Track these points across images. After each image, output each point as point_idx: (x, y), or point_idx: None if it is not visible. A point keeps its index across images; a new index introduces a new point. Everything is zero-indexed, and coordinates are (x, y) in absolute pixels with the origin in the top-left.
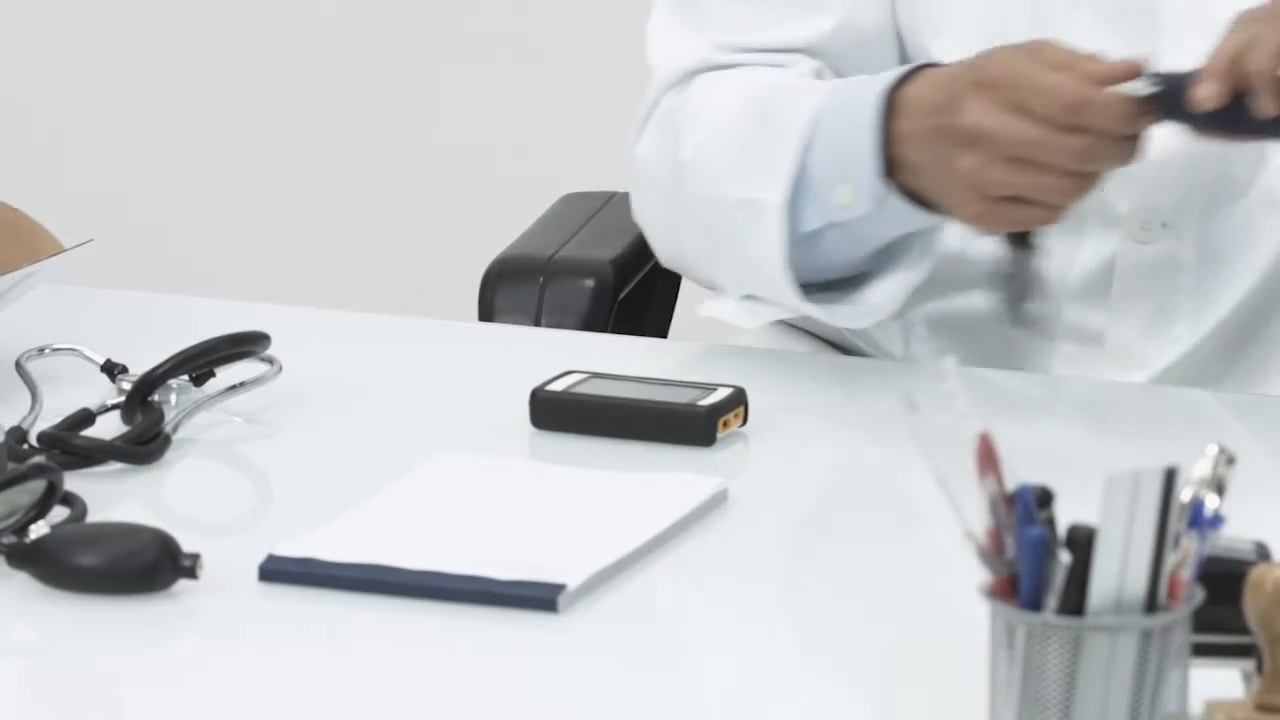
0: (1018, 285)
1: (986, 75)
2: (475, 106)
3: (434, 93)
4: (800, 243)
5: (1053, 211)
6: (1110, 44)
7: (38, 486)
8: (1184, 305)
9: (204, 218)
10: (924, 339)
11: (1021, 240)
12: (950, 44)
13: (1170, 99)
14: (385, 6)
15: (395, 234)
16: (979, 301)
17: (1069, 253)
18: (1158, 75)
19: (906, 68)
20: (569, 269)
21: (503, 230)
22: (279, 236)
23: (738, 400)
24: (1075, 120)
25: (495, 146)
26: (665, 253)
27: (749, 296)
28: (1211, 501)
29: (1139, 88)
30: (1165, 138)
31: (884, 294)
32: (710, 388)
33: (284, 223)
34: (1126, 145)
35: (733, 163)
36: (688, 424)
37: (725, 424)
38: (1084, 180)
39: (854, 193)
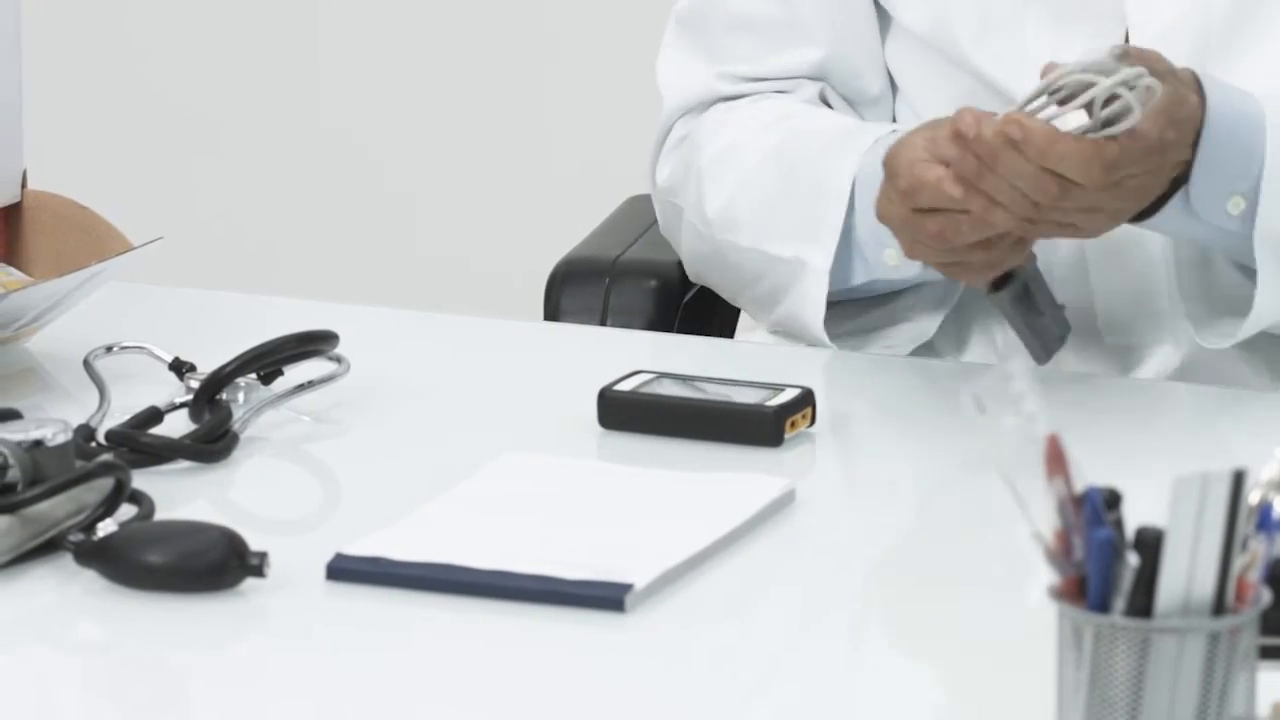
0: (1030, 331)
1: (888, 168)
2: (542, 108)
3: (502, 94)
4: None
5: (992, 270)
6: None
7: (105, 484)
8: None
9: (273, 217)
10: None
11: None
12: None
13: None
14: (458, 11)
15: (462, 235)
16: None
17: (1045, 249)
18: None
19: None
20: (634, 270)
21: (569, 232)
22: (348, 236)
23: (806, 401)
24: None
25: (562, 149)
26: (692, 274)
27: (776, 331)
28: None
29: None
30: None
31: (917, 330)
32: (778, 388)
33: (353, 223)
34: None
35: (770, 219)
36: (756, 424)
37: (793, 424)
38: (997, 248)
39: (899, 255)
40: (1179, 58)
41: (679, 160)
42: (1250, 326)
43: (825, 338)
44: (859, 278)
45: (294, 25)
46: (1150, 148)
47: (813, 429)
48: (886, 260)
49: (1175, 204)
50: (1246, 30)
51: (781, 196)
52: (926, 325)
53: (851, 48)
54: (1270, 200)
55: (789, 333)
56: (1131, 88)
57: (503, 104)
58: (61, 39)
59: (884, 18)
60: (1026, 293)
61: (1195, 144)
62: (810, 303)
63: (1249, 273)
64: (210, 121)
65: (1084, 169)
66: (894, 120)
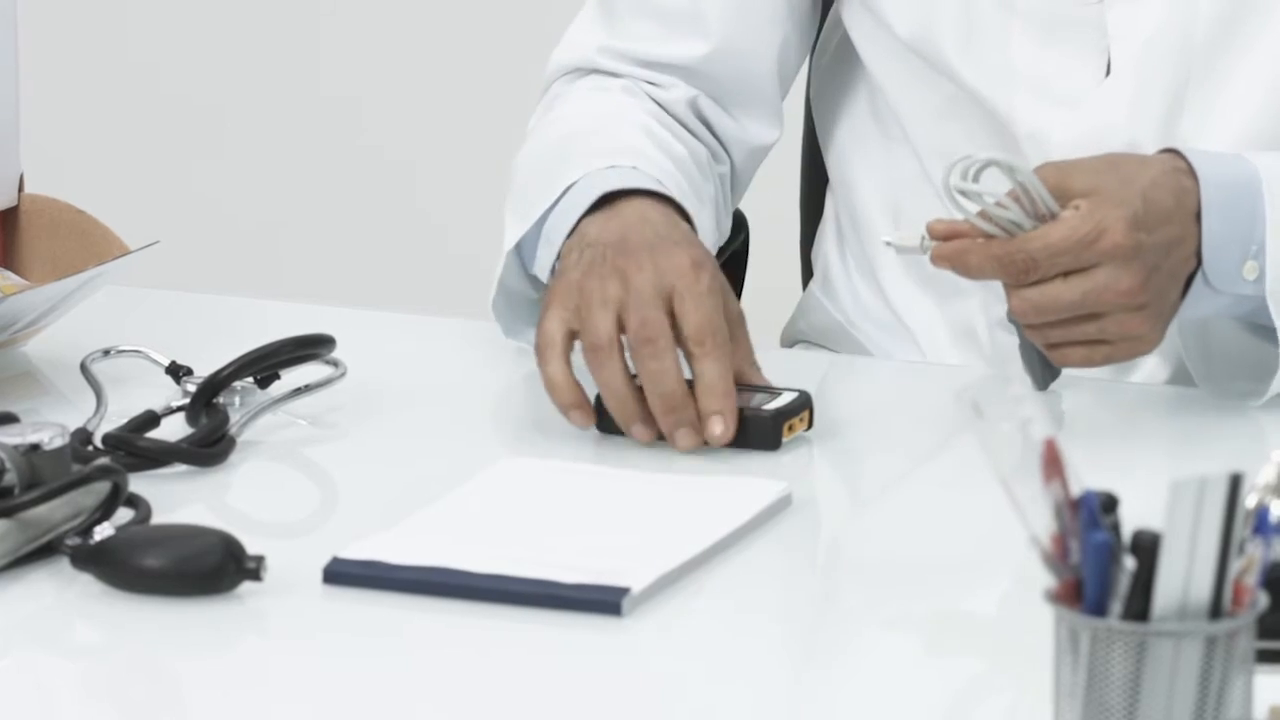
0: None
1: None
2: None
3: (499, 96)
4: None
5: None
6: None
7: (102, 488)
8: None
9: (270, 220)
10: (944, 347)
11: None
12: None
13: None
14: (456, 13)
15: (460, 238)
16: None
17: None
18: None
19: (603, 193)
20: None
21: None
22: (344, 240)
23: (803, 404)
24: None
25: None
26: None
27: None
28: (1277, 508)
29: None
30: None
31: None
32: (776, 392)
33: (349, 226)
34: None
35: (519, 190)
36: (754, 428)
37: (790, 428)
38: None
39: (546, 258)
40: (1162, 72)
41: (539, 114)
42: (1277, 387)
43: (492, 304)
44: (533, 267)
45: (289, 29)
46: (1083, 235)
47: (810, 433)
48: (541, 255)
49: (1196, 285)
50: (1229, 42)
51: (532, 176)
52: None
53: (742, 41)
54: (1277, 259)
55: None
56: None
57: (499, 107)
58: (58, 42)
59: (869, 18)
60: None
61: (1199, 221)
62: (497, 271)
63: (1260, 331)
64: (206, 125)
65: (999, 270)
66: (782, 128)
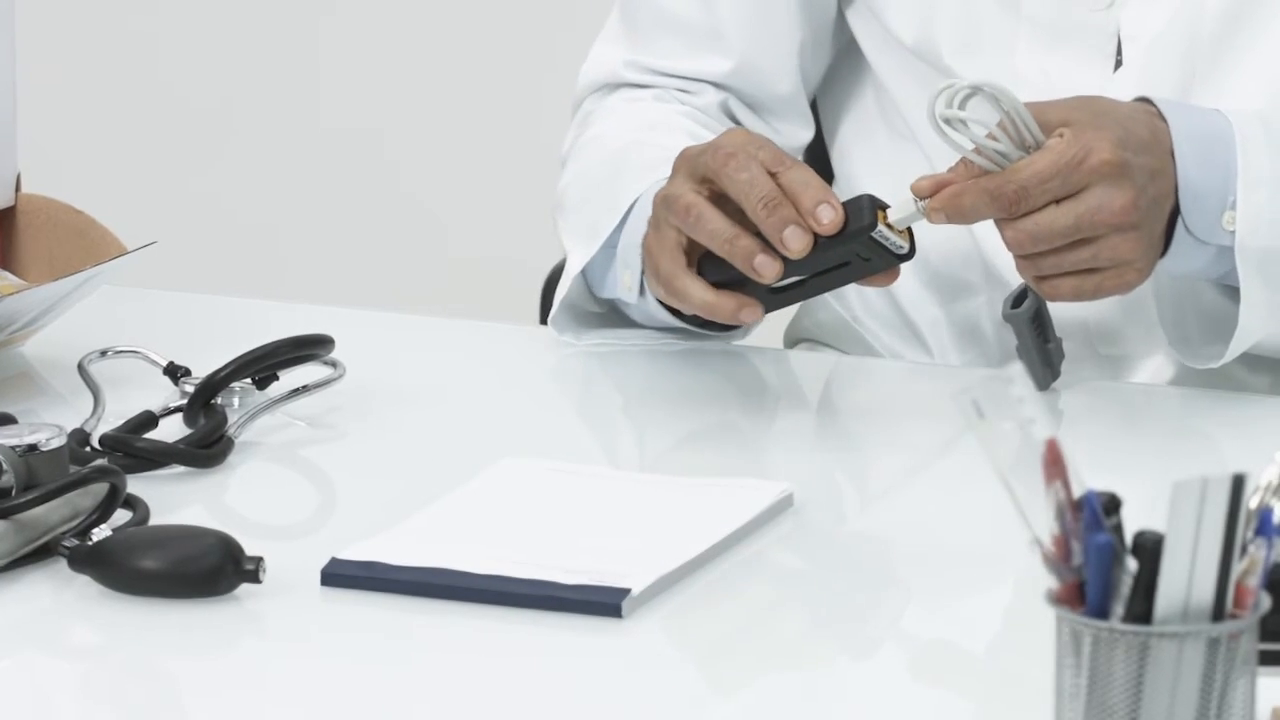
0: (1035, 354)
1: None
2: (538, 112)
3: (498, 98)
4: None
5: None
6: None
7: (100, 489)
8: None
9: (268, 220)
10: (948, 346)
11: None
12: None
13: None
14: (456, 14)
15: (458, 238)
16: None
17: None
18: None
19: None
20: None
21: None
22: (343, 240)
23: (876, 204)
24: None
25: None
26: None
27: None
28: (1279, 509)
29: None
30: None
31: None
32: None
33: (348, 226)
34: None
35: (576, 211)
36: (850, 209)
37: (884, 216)
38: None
39: (632, 279)
40: (1169, 68)
41: (573, 135)
42: (1237, 345)
43: (554, 329)
44: (607, 292)
45: (287, 29)
46: (1071, 158)
47: (813, 433)
48: (623, 280)
49: (1179, 235)
50: (1235, 40)
51: (589, 196)
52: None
53: (763, 57)
54: (1247, 214)
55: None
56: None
57: (498, 108)
58: (55, 42)
59: (874, 23)
60: (1039, 316)
61: (1173, 159)
62: (559, 291)
63: (1229, 292)
64: (204, 126)
65: (992, 205)
66: (816, 125)
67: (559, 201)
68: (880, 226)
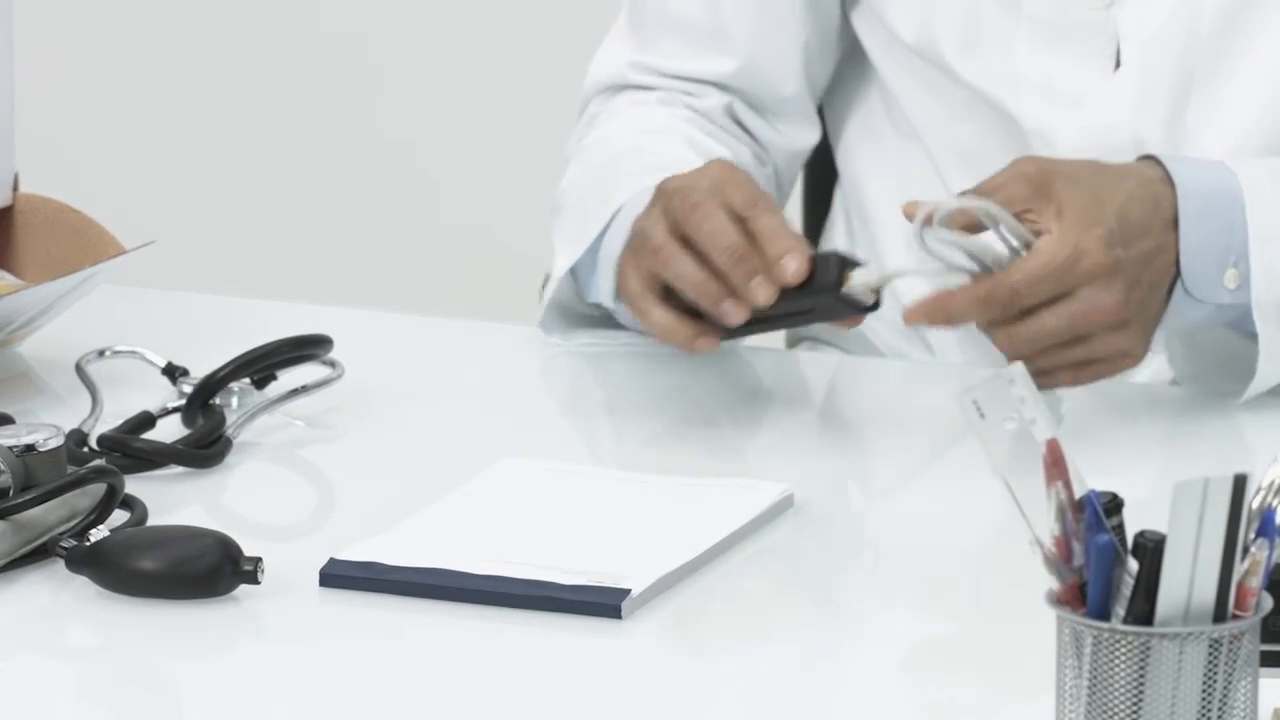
0: None
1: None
2: (539, 114)
3: (500, 98)
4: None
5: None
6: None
7: (98, 490)
8: None
9: (267, 220)
10: (950, 345)
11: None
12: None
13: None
14: (458, 14)
15: (458, 238)
16: None
17: None
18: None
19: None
20: None
21: None
22: (342, 239)
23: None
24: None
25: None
26: None
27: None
28: None
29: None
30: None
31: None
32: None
33: (347, 226)
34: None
35: (572, 214)
36: (817, 266)
37: (849, 277)
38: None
39: (608, 282)
40: (1168, 68)
41: (578, 136)
42: (1256, 388)
43: (543, 329)
44: (593, 296)
45: (286, 28)
46: (1063, 261)
47: (816, 432)
48: (601, 283)
49: (1177, 295)
50: (1234, 38)
51: (582, 199)
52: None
53: (768, 58)
54: (1261, 269)
55: (817, 340)
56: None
57: (500, 109)
58: (53, 41)
59: (877, 24)
60: None
61: (1176, 228)
62: (547, 293)
63: (1242, 330)
64: (202, 125)
65: (983, 310)
66: (822, 128)
67: (557, 202)
68: (845, 287)
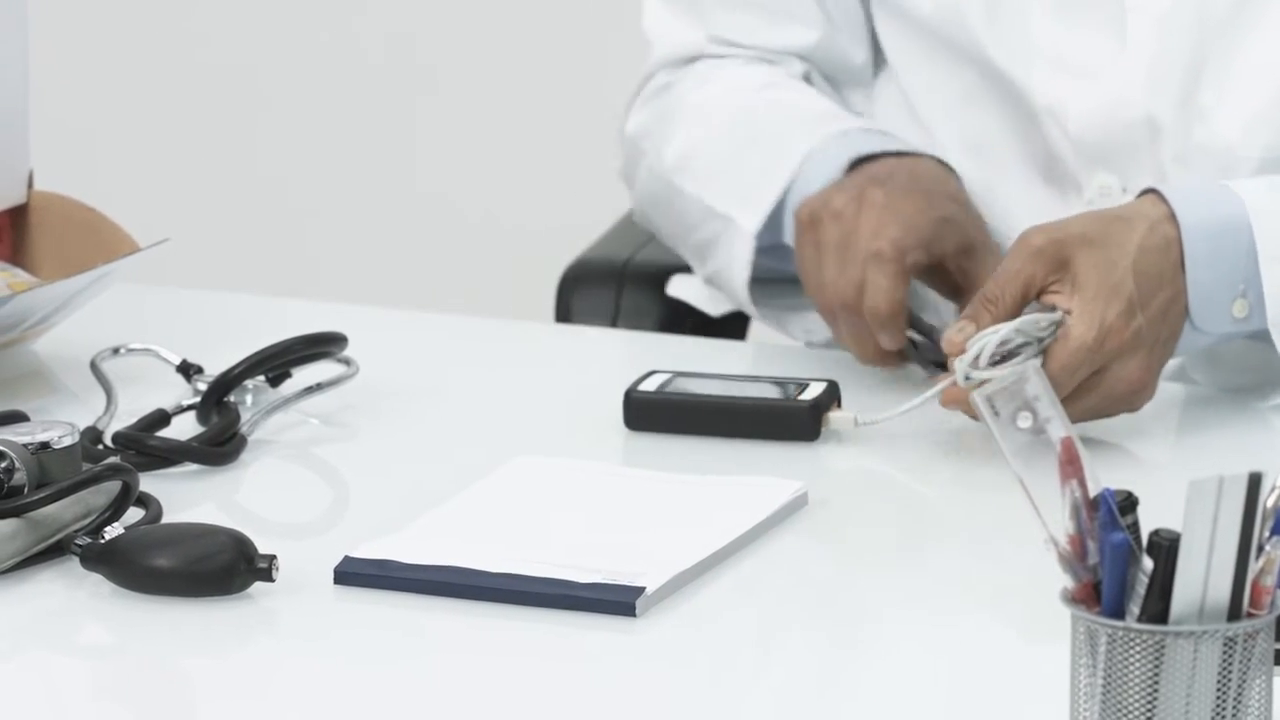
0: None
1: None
2: (553, 111)
3: (512, 97)
4: (772, 250)
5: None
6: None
7: (113, 487)
8: None
9: (282, 218)
10: None
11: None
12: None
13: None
14: (462, 13)
15: (473, 237)
16: None
17: None
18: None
19: (874, 148)
20: (645, 273)
21: (580, 234)
22: (356, 238)
23: (833, 394)
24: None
25: (573, 151)
26: (639, 216)
27: (712, 284)
28: None
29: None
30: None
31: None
32: (803, 383)
33: (362, 224)
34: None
35: (721, 174)
36: (792, 419)
37: (827, 420)
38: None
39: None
40: (1179, 42)
41: (655, 109)
42: None
43: (747, 298)
44: (788, 237)
45: (301, 28)
46: (1091, 343)
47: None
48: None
49: (1184, 332)
50: (1244, 15)
51: (736, 155)
52: None
53: (840, 30)
54: (1273, 290)
55: (719, 288)
56: (1038, 337)
57: (513, 107)
58: (68, 39)
59: (892, 5)
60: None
61: (1183, 267)
62: (736, 261)
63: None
64: (217, 123)
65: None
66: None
67: (671, 162)
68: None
